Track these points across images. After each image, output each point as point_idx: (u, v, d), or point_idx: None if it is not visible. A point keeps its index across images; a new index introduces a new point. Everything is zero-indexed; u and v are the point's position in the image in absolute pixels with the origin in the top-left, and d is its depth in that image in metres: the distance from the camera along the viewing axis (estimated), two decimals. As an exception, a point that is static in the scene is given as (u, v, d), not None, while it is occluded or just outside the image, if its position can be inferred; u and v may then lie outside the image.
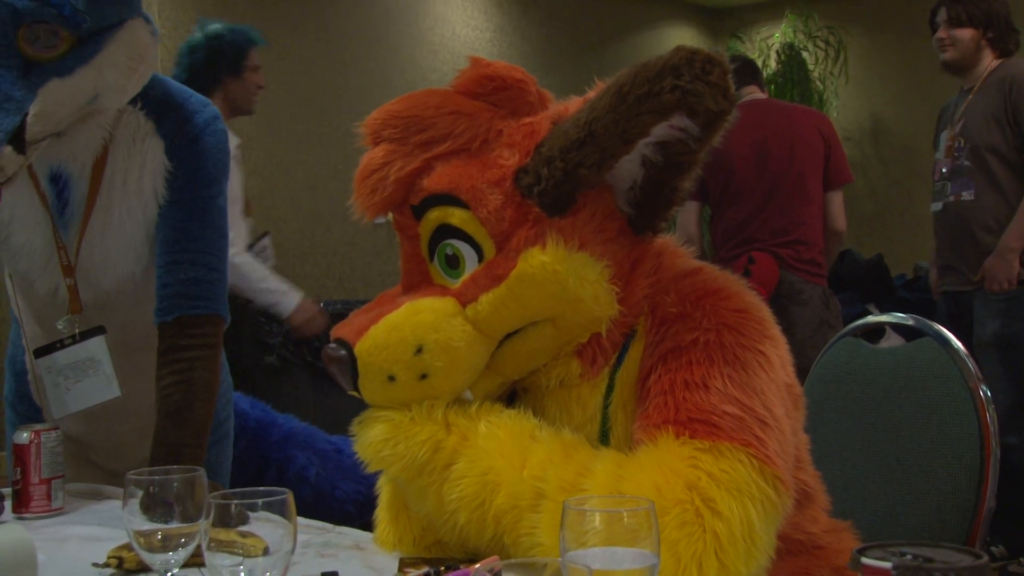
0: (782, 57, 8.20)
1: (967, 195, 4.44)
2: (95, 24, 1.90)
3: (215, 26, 4.24)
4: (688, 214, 4.81)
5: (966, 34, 4.51)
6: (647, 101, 1.46)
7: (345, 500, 3.05)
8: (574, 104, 1.62)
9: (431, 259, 1.65)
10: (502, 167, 1.58)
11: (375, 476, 1.72)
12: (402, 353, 1.57)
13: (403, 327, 1.58)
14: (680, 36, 8.68)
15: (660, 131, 1.51)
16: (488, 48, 7.03)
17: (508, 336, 1.60)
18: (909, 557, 1.00)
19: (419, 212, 1.63)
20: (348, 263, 6.26)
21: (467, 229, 1.59)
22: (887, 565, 0.99)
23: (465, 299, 1.58)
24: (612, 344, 1.61)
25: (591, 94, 1.58)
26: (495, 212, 1.57)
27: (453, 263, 1.62)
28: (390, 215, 1.69)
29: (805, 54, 8.34)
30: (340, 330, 1.63)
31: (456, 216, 1.59)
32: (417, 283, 1.67)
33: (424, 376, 1.57)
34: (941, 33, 4.57)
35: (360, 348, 1.58)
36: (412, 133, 1.62)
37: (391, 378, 1.58)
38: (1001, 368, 4.17)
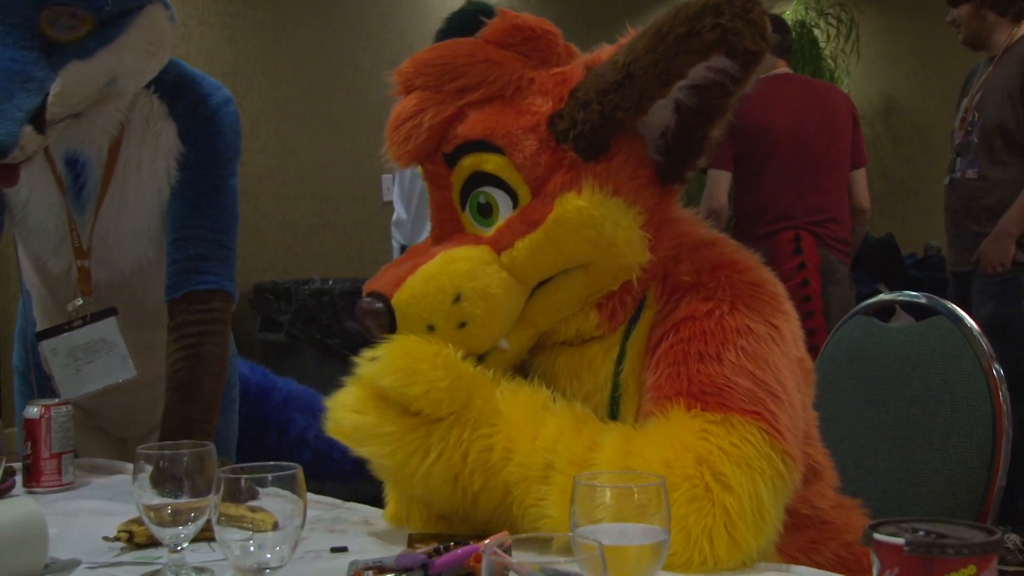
0: (793, 34, 8.14)
1: (971, 173, 4.39)
2: (116, 8, 1.91)
3: None
4: (719, 184, 4.65)
5: (964, 10, 4.45)
6: (687, 40, 1.46)
7: (343, 460, 3.05)
8: (606, 52, 1.62)
9: (463, 208, 1.65)
10: (536, 113, 1.59)
11: None
12: (441, 302, 1.56)
13: (440, 276, 1.57)
14: (684, 13, 8.67)
15: (697, 72, 1.51)
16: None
17: (539, 285, 1.60)
18: (922, 533, 1.00)
19: (452, 160, 1.63)
20: (356, 241, 6.27)
21: (502, 175, 1.59)
22: (900, 541, 1.00)
23: (500, 246, 1.58)
24: (632, 300, 1.61)
25: (624, 40, 1.58)
26: (531, 157, 1.57)
27: (486, 211, 1.62)
28: (419, 168, 1.69)
29: (817, 31, 8.29)
30: (373, 284, 1.62)
31: (491, 162, 1.59)
32: (448, 233, 1.66)
33: (463, 324, 1.57)
34: (949, 17, 4.53)
35: (398, 299, 1.58)
36: (445, 81, 1.62)
37: (430, 327, 1.57)
38: (995, 351, 4.10)
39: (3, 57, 1.85)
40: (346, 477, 3.08)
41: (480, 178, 1.61)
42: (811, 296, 4.34)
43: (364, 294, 1.62)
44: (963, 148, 4.46)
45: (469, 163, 1.61)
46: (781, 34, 4.77)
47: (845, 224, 4.64)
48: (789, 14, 7.92)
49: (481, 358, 1.62)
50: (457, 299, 1.56)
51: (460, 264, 1.58)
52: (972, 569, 0.98)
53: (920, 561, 0.99)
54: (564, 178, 1.56)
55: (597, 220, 1.54)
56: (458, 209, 1.65)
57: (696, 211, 1.78)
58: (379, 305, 1.58)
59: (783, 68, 4.76)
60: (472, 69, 1.61)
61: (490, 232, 1.61)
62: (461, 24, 4.10)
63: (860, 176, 4.68)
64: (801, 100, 4.60)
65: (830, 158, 4.59)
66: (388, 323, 1.58)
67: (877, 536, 1.02)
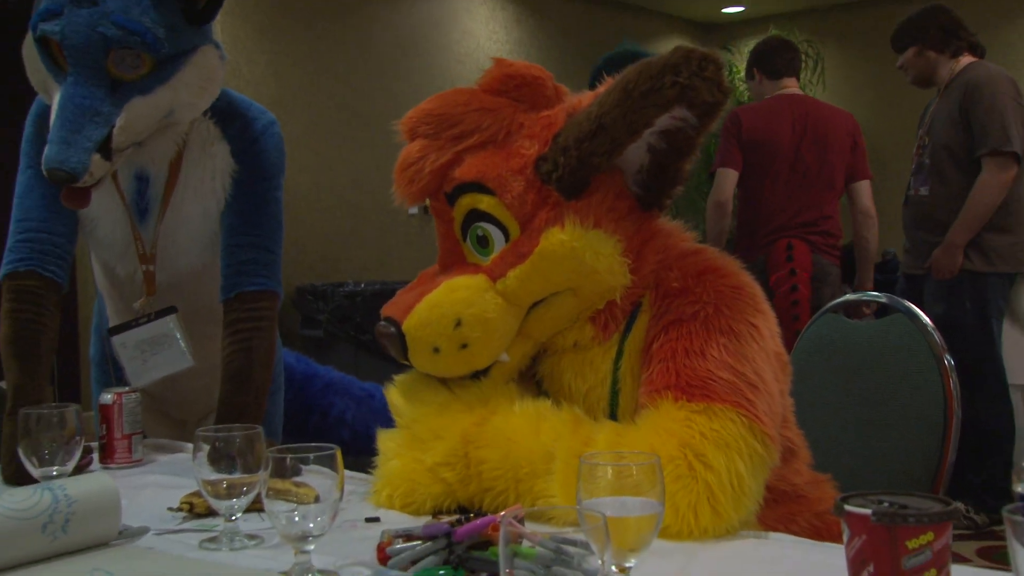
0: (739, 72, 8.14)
1: (924, 191, 4.41)
2: (172, 50, 1.91)
3: None
4: (726, 180, 4.58)
5: (909, 54, 4.48)
6: (651, 96, 1.47)
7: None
8: (587, 97, 1.63)
9: (464, 239, 1.65)
10: (524, 156, 1.59)
11: None
12: (444, 328, 1.58)
13: (443, 304, 1.59)
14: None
15: (663, 121, 1.52)
16: (508, 57, 7.02)
17: (535, 305, 1.61)
18: (886, 504, 1.00)
19: (452, 199, 1.64)
20: (385, 249, 6.26)
21: (494, 213, 1.60)
22: (867, 511, 0.99)
23: (495, 275, 1.59)
24: (622, 312, 1.61)
25: (601, 89, 1.58)
26: (518, 197, 1.58)
27: (483, 243, 1.63)
28: (427, 201, 1.70)
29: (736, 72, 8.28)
30: (389, 309, 1.65)
31: (484, 202, 1.60)
32: (452, 262, 1.67)
33: (464, 346, 1.59)
34: (898, 62, 4.56)
35: (407, 325, 1.60)
36: (444, 129, 1.63)
37: (436, 350, 1.60)
38: (946, 344, 4.12)
39: (75, 95, 1.85)
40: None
41: (476, 215, 1.62)
42: (799, 300, 4.34)
43: (382, 317, 1.65)
44: (917, 169, 4.48)
45: (466, 202, 1.62)
46: (791, 53, 4.75)
47: (838, 233, 4.60)
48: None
49: (486, 371, 1.65)
50: (458, 324, 1.58)
51: (460, 293, 1.60)
52: (930, 535, 0.98)
53: (885, 529, 0.98)
54: (549, 214, 1.57)
55: (578, 251, 1.55)
56: (459, 240, 1.66)
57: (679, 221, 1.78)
58: (392, 330, 1.61)
59: (792, 87, 4.70)
60: (467, 117, 1.62)
61: (488, 261, 1.62)
62: (619, 64, 4.10)
63: (862, 187, 4.60)
64: (802, 118, 4.54)
65: (824, 173, 4.54)
66: (400, 347, 1.62)
67: (847, 507, 1.01)
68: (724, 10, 8.68)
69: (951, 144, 4.30)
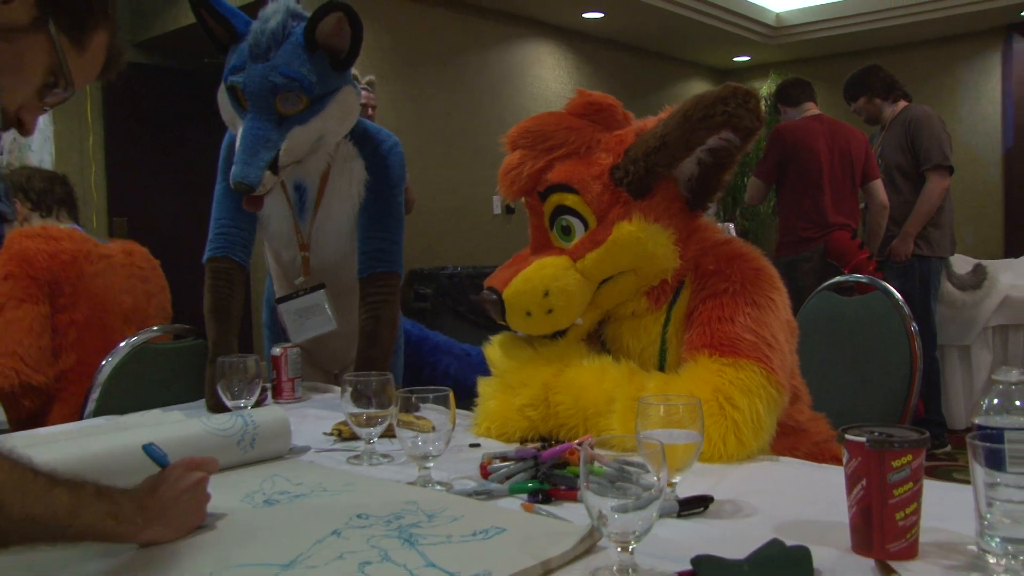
0: (767, 104, 7.99)
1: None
2: (322, 90, 1.93)
3: None
4: (757, 189, 4.57)
5: (859, 103, 4.69)
6: (704, 121, 1.47)
7: (473, 387, 3.10)
8: (651, 121, 1.62)
9: (551, 229, 1.64)
10: (601, 165, 1.58)
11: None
12: (535, 296, 1.58)
13: (534, 278, 1.58)
14: (699, 89, 8.57)
15: (712, 141, 1.51)
16: (570, 96, 7.00)
17: (604, 281, 1.60)
18: (876, 434, 1.00)
19: (543, 196, 1.63)
20: (474, 240, 6.25)
21: (577, 208, 1.59)
22: (862, 439, 0.99)
23: (576, 256, 1.59)
24: (670, 288, 1.60)
25: (663, 115, 1.58)
26: (597, 196, 1.57)
27: (566, 231, 1.62)
28: (523, 199, 1.69)
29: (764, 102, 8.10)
30: (491, 281, 1.64)
31: (569, 199, 1.59)
32: (541, 246, 1.66)
33: (550, 311, 1.58)
34: (852, 108, 4.74)
35: (507, 294, 1.60)
36: (539, 142, 1.62)
37: (528, 314, 1.59)
38: None
39: (252, 127, 1.89)
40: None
41: (562, 209, 1.61)
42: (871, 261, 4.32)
43: (485, 287, 1.64)
44: None
45: (554, 199, 1.61)
46: (804, 85, 4.71)
47: (855, 226, 4.53)
48: (765, 89, 7.71)
49: (563, 333, 1.64)
50: (546, 294, 1.57)
51: (548, 270, 1.59)
52: (909, 457, 0.98)
53: (876, 453, 0.99)
54: (620, 211, 1.56)
55: (642, 240, 1.54)
56: (547, 229, 1.65)
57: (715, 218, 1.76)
58: (495, 297, 1.61)
59: (814, 109, 4.63)
60: (557, 134, 1.61)
61: (569, 246, 1.61)
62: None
63: (877, 185, 4.50)
64: (829, 135, 4.47)
65: (847, 178, 4.47)
66: (500, 311, 1.61)
67: (847, 436, 1.01)
68: (734, 59, 8.57)
69: (901, 163, 4.53)
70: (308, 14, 1.93)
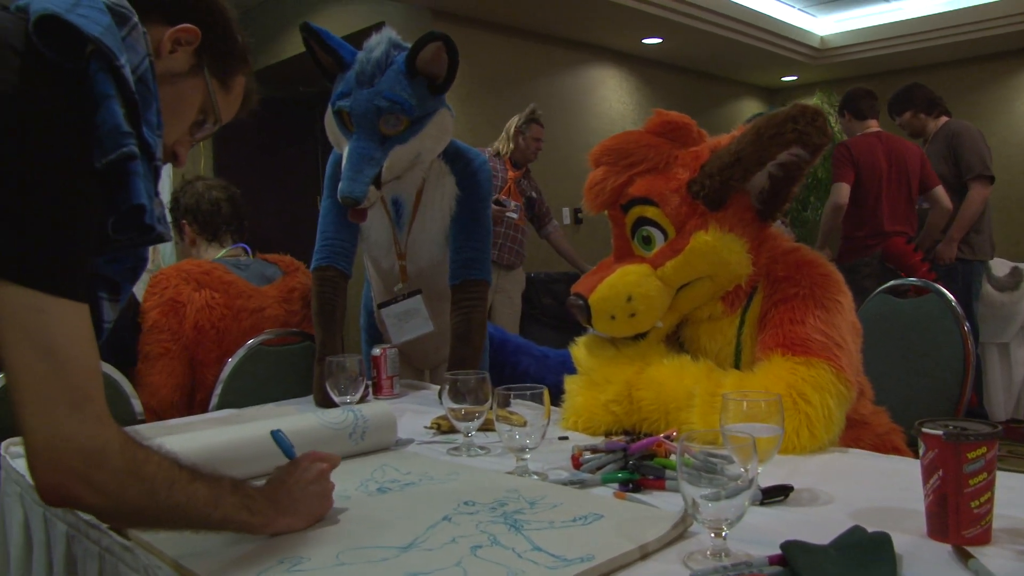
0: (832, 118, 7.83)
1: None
2: (421, 112, 1.94)
3: None
4: (842, 190, 4.33)
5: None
6: (776, 138, 1.46)
7: (551, 385, 3.08)
8: (725, 138, 1.61)
9: (632, 239, 1.64)
10: (679, 179, 1.58)
11: (571, 371, 1.72)
12: (618, 301, 1.57)
13: (618, 284, 1.58)
14: (750, 106, 8.46)
15: (782, 156, 1.50)
16: (632, 115, 6.96)
17: (682, 287, 1.59)
18: (951, 428, 0.98)
19: (625, 209, 1.63)
20: (547, 248, 6.18)
21: (657, 219, 1.59)
22: (939, 432, 0.98)
23: (656, 264, 1.58)
24: (744, 293, 1.59)
25: (736, 132, 1.57)
26: (675, 208, 1.56)
27: (647, 241, 1.61)
28: (606, 211, 1.69)
29: (831, 118, 7.95)
30: (578, 287, 1.64)
31: (650, 211, 1.59)
32: (624, 254, 1.66)
33: (632, 315, 1.58)
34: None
35: (592, 299, 1.59)
36: (620, 159, 1.62)
37: (612, 317, 1.59)
38: None
39: (358, 147, 1.91)
40: (554, 399, 3.06)
41: (643, 221, 1.60)
42: (926, 264, 4.22)
43: (572, 292, 1.64)
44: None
45: (636, 211, 1.61)
46: (872, 100, 4.52)
47: (911, 232, 4.40)
48: (817, 99, 7.60)
49: (645, 334, 1.63)
50: (629, 299, 1.57)
51: (630, 276, 1.58)
52: (984, 449, 0.97)
53: (953, 445, 0.97)
54: (697, 221, 1.55)
55: (718, 249, 1.53)
56: (629, 239, 1.65)
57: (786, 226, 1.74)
58: (581, 302, 1.61)
59: (875, 127, 4.49)
60: (638, 151, 1.61)
61: (650, 255, 1.60)
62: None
63: (940, 191, 4.37)
64: (888, 151, 4.37)
65: (903, 189, 4.36)
66: (587, 315, 1.61)
67: (924, 430, 1.00)
68: (782, 79, 8.45)
69: (944, 174, 4.42)
70: (407, 44, 1.95)
